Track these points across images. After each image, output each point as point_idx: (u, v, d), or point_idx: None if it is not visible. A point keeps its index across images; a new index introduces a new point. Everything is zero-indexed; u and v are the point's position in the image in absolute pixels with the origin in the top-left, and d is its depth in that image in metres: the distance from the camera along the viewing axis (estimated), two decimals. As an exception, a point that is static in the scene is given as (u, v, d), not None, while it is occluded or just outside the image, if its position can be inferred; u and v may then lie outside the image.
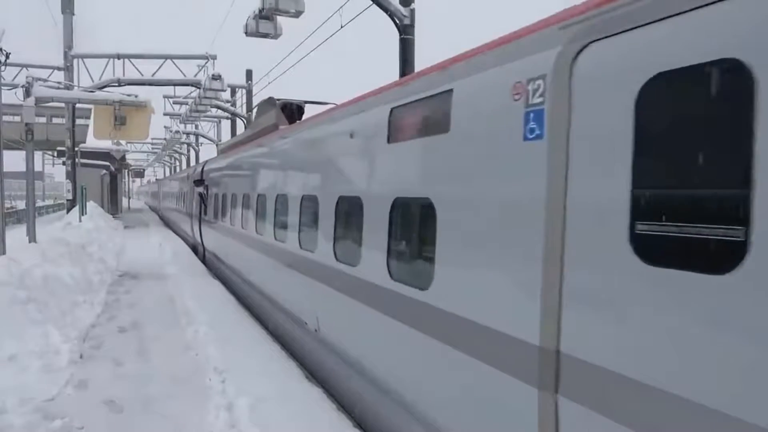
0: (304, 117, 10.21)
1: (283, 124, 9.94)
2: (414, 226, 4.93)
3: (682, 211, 2.38)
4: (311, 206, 6.93)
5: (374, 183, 5.35)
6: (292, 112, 10.22)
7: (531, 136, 3.15)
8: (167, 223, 33.71)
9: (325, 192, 6.60)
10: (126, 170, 65.91)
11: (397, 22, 10.87)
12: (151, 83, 24.15)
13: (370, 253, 5.24)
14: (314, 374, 6.89)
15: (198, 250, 19.28)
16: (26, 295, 8.54)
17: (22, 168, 15.12)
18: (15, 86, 19.12)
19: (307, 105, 10.69)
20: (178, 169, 58.52)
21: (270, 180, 9.73)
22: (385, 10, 10.78)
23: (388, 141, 4.93)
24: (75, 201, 24.46)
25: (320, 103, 10.39)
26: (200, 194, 17.01)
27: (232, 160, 13.60)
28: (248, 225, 10.67)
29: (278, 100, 10.82)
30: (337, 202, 6.09)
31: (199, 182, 16.99)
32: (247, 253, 10.85)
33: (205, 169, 17.90)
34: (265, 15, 12.87)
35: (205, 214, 16.85)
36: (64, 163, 26.43)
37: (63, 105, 24.12)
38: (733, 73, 2.19)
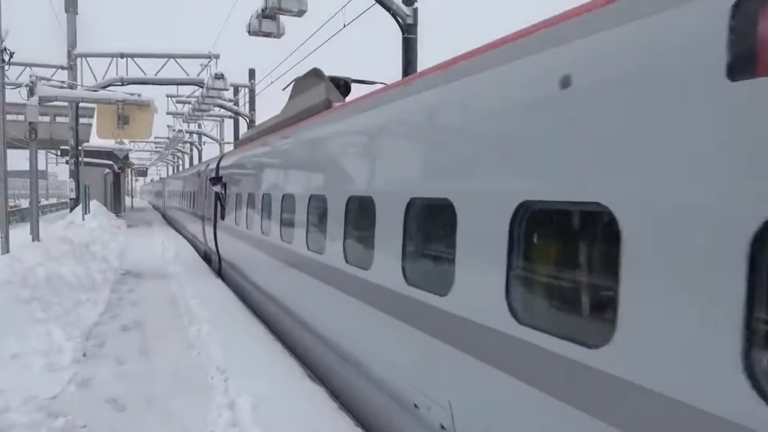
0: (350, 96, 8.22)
1: (338, 101, 7.76)
2: None
3: None
4: (433, 216, 4.36)
5: (688, 180, 2.35)
6: (339, 88, 8.36)
7: None
8: (174, 225, 31.83)
9: (484, 194, 3.60)
10: (129, 169, 66.01)
11: (400, 21, 10.88)
12: (154, 82, 24.16)
13: (649, 333, 2.47)
14: None
15: (211, 258, 16.67)
16: (29, 293, 8.58)
17: (26, 167, 15.17)
18: (19, 85, 19.14)
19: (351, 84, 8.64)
20: (181, 168, 58.50)
21: (333, 176, 6.72)
22: (388, 9, 10.80)
23: (733, 75, 2.17)
24: (78, 200, 24.52)
25: (367, 82, 8.77)
26: (217, 195, 14.46)
27: (261, 152, 10.77)
28: (295, 238, 7.81)
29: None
30: (519, 212, 3.29)
31: (216, 180, 14.36)
32: (293, 277, 7.94)
33: (222, 164, 15.06)
34: (268, 14, 12.90)
35: (223, 218, 14.09)
36: (67, 162, 26.46)
37: (66, 104, 24.17)
38: None
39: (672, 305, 2.40)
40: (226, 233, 13.83)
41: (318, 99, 8.16)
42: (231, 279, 13.54)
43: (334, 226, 6.17)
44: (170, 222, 34.39)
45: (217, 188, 14.27)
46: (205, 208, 17.38)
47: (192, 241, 21.94)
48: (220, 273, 14.86)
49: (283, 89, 10.87)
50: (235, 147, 15.05)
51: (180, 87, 30.65)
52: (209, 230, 16.18)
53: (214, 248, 15.63)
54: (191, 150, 54.42)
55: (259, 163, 11.02)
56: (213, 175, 15.24)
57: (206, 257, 17.77)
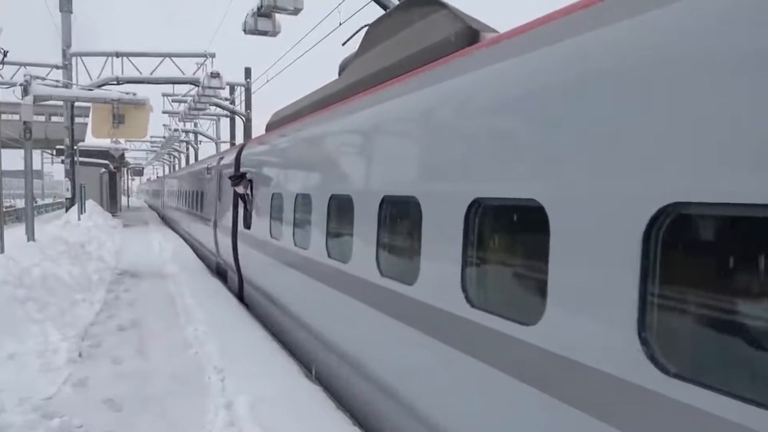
0: None
1: (487, 31, 4.54)
2: None
3: None
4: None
5: None
6: None
7: None
8: (175, 229, 28.95)
9: None
10: (125, 168, 65.86)
11: (396, 19, 10.85)
12: (149, 81, 24.08)
13: None
14: None
15: (227, 274, 13.70)
16: (25, 293, 8.54)
17: (21, 167, 15.08)
18: (13, 84, 19.11)
19: None
20: (177, 167, 58.30)
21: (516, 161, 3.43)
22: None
23: None
24: (74, 199, 24.44)
25: None
26: (240, 197, 11.18)
27: (333, 131, 6.82)
28: (411, 271, 4.42)
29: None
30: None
31: (238, 178, 11.00)
32: (384, 330, 4.96)
33: (246, 156, 11.71)
34: (263, 12, 12.85)
35: (248, 227, 10.84)
36: (63, 162, 26.37)
37: (61, 103, 24.08)
38: None
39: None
40: (253, 248, 10.48)
41: (447, 30, 4.80)
42: (258, 307, 10.38)
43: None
44: (170, 225, 32.51)
45: (240, 188, 11.00)
46: (217, 213, 14.34)
47: (197, 249, 19.23)
48: (241, 298, 11.77)
49: (344, 44, 8.11)
50: (267, 129, 11.12)
51: (176, 86, 30.43)
52: (224, 240, 13.02)
53: (232, 264, 12.37)
54: (187, 149, 54.33)
55: (327, 148, 7.04)
56: (233, 172, 11.80)
57: (218, 271, 14.86)
